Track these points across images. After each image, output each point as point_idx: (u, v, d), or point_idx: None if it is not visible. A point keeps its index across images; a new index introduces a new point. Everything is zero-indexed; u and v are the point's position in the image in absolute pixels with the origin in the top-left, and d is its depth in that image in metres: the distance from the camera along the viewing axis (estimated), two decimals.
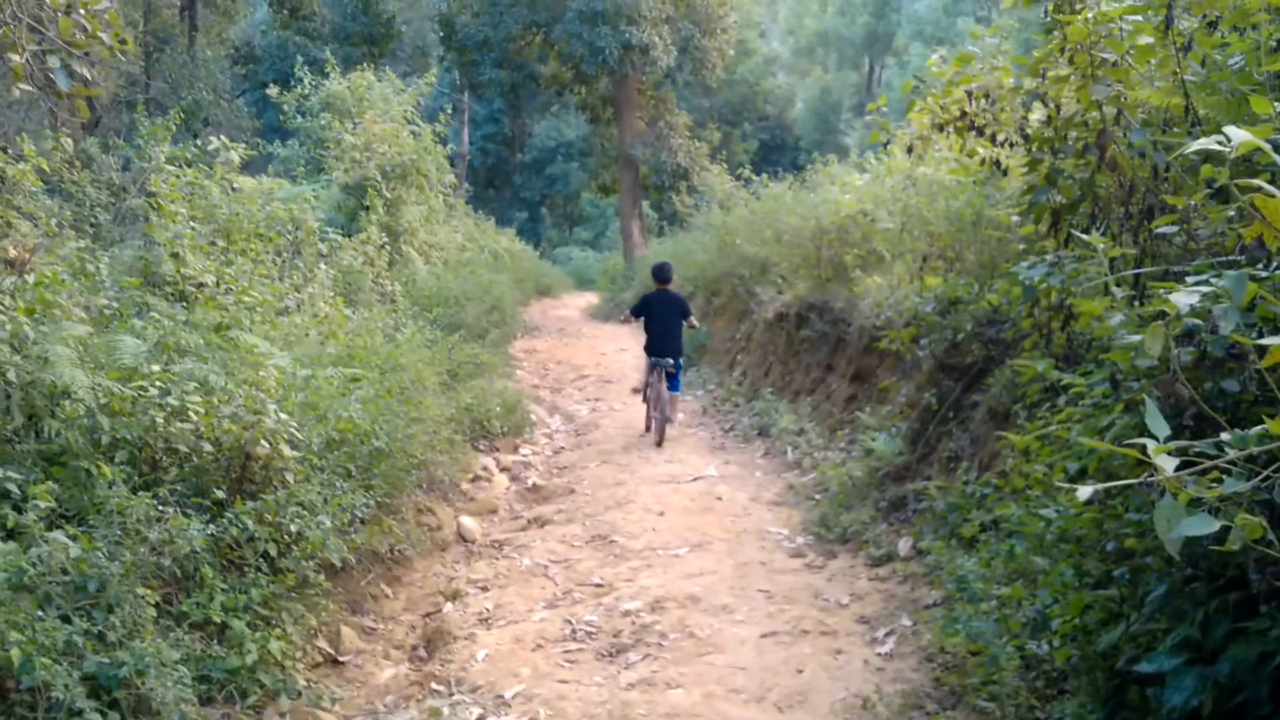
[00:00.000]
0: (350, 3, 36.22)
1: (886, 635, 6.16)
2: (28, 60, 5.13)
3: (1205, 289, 2.92)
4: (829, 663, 5.90)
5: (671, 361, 11.74)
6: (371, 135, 16.30)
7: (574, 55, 30.12)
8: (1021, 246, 6.99)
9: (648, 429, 12.07)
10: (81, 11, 5.21)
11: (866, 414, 9.37)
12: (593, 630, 6.59)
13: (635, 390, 13.94)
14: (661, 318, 11.94)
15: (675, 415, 12.29)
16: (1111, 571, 4.11)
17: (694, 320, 12.42)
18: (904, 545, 7.32)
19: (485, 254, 24.23)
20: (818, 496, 9.04)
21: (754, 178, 17.96)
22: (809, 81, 59.13)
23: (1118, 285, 4.45)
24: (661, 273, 12.31)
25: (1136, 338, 3.70)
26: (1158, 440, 2.53)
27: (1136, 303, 4.57)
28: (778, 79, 56.98)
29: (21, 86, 5.28)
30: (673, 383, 11.93)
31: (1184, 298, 2.85)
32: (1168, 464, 2.46)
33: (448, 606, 7.27)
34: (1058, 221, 5.85)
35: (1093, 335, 4.72)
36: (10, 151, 8.16)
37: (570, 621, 6.74)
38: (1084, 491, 2.47)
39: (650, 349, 11.97)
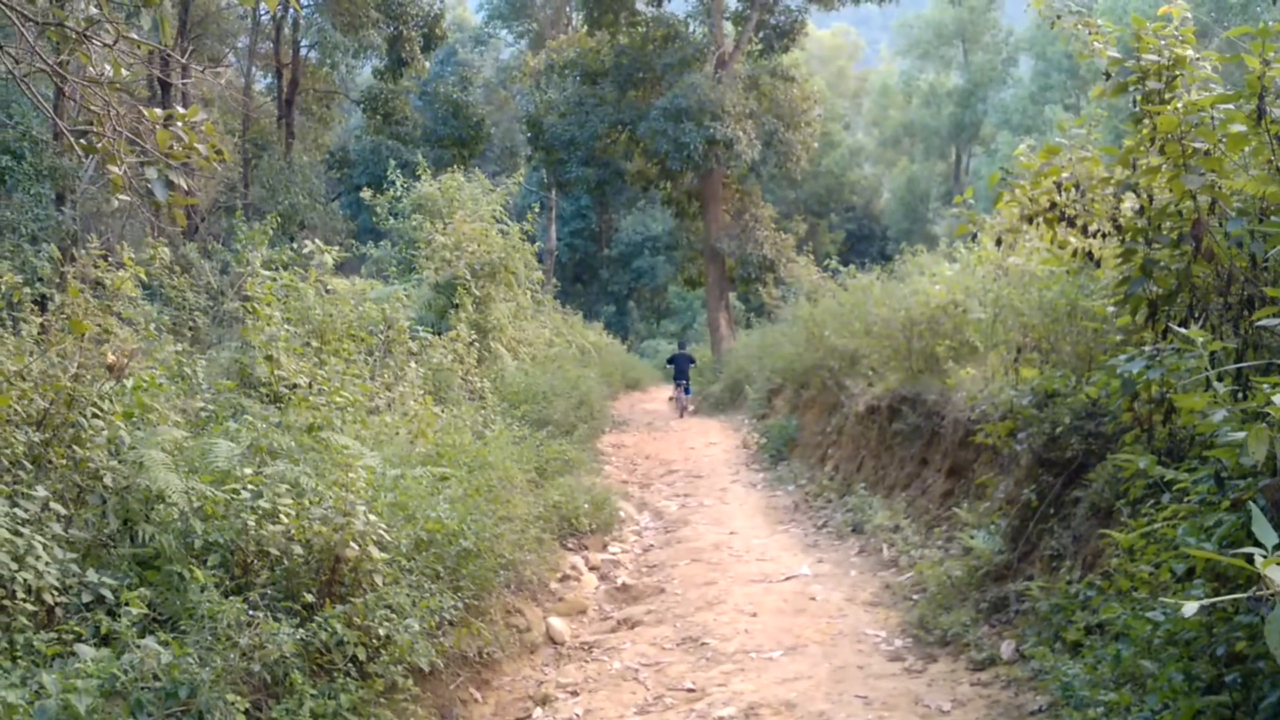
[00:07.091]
0: (441, 107, 37.46)
1: None
2: (126, 171, 5.30)
3: None
4: None
5: (685, 383, 25.60)
6: (461, 235, 16.64)
7: (659, 151, 30.60)
8: (1119, 338, 6.82)
9: (679, 415, 25.05)
10: (179, 124, 5.37)
11: (964, 510, 9.09)
12: None
13: (670, 399, 26.78)
14: (680, 364, 25.98)
15: (689, 406, 25.95)
16: (1223, 676, 3.96)
17: (698, 364, 28.44)
18: (1007, 648, 7.05)
19: (573, 348, 24.47)
20: (915, 596, 8.75)
21: (841, 268, 17.89)
22: (895, 171, 59.29)
23: (1219, 379, 4.30)
24: (682, 345, 29.43)
25: (1240, 435, 3.56)
26: (1265, 548, 2.40)
27: (1240, 396, 4.41)
28: (863, 169, 57.30)
29: (121, 196, 5.44)
30: (686, 390, 25.79)
31: None
32: (1277, 575, 2.33)
33: (537, 712, 7.16)
34: (1155, 313, 5.71)
35: (1195, 430, 4.56)
36: (110, 259, 8.45)
37: None
38: (1190, 607, 2.34)
39: (675, 377, 25.90)
